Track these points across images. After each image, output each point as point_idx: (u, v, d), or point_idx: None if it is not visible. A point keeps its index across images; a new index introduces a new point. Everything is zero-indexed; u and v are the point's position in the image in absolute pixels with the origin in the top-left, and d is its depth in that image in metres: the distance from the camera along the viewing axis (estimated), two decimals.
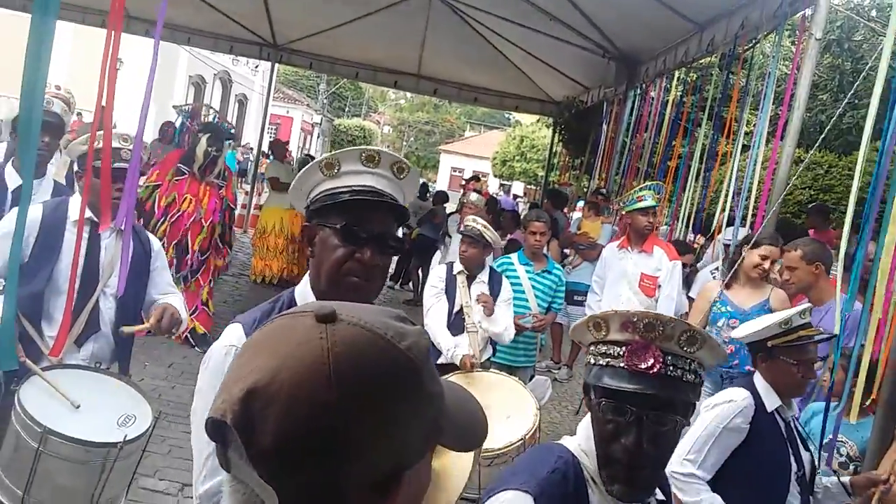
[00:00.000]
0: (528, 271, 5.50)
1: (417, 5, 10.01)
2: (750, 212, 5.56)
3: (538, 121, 28.76)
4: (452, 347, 4.33)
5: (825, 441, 3.62)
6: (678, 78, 9.34)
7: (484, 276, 4.75)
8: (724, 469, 2.84)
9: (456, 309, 4.58)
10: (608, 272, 5.76)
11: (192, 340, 6.50)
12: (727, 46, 6.82)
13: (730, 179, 6.13)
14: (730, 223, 6.05)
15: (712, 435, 2.82)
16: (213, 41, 12.31)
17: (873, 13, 8.97)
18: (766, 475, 2.82)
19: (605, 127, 10.45)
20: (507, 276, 5.09)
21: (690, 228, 9.61)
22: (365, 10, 10.30)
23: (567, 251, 8.50)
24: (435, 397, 0.74)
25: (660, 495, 1.69)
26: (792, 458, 2.84)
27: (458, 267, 4.73)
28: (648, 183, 5.98)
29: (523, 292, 5.35)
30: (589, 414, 1.59)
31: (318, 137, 45.33)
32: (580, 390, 7.22)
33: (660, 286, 5.50)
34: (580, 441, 1.58)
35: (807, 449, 2.97)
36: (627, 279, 5.57)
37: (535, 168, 29.40)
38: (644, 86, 9.36)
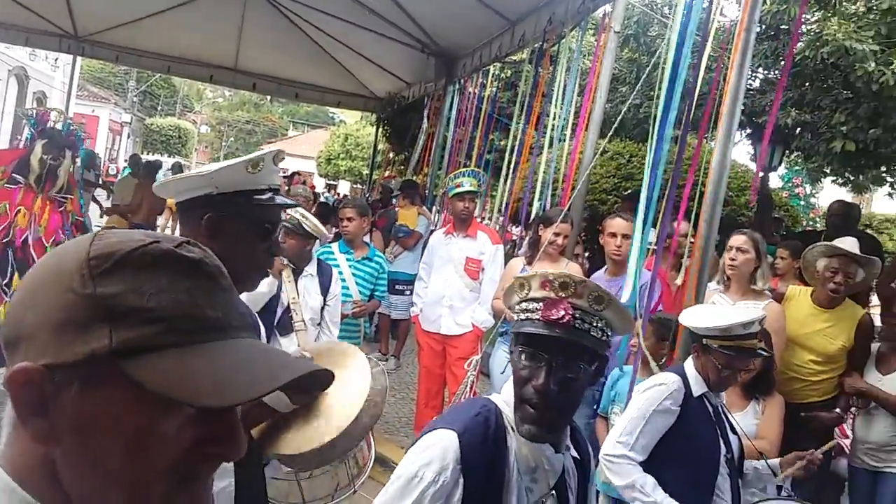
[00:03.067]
0: (348, 259, 5.52)
1: None
2: (555, 200, 5.93)
3: (362, 118, 28.80)
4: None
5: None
6: (493, 74, 9.73)
7: (312, 269, 4.61)
8: (655, 451, 2.93)
9: (283, 308, 4.36)
10: (434, 258, 5.91)
11: None
12: (536, 41, 7.21)
13: (545, 170, 6.49)
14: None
15: (643, 417, 2.91)
16: (4, 32, 11.16)
17: (666, 10, 9.80)
18: (695, 456, 2.92)
19: (425, 122, 10.68)
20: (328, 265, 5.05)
21: (510, 219, 10.07)
22: (176, 0, 9.86)
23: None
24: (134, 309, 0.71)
25: (574, 453, 1.83)
26: (721, 441, 2.96)
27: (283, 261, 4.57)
28: (465, 169, 6.20)
29: (344, 280, 5.35)
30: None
31: (128, 138, 42.74)
32: (408, 380, 7.33)
33: (483, 269, 5.72)
34: (504, 395, 1.75)
35: (734, 432, 3.08)
36: (453, 263, 5.75)
37: (361, 166, 29.41)
38: (462, 81, 9.67)
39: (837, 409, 4.24)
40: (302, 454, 2.05)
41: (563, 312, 1.63)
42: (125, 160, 23.70)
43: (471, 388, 4.41)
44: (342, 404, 2.06)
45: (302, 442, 2.03)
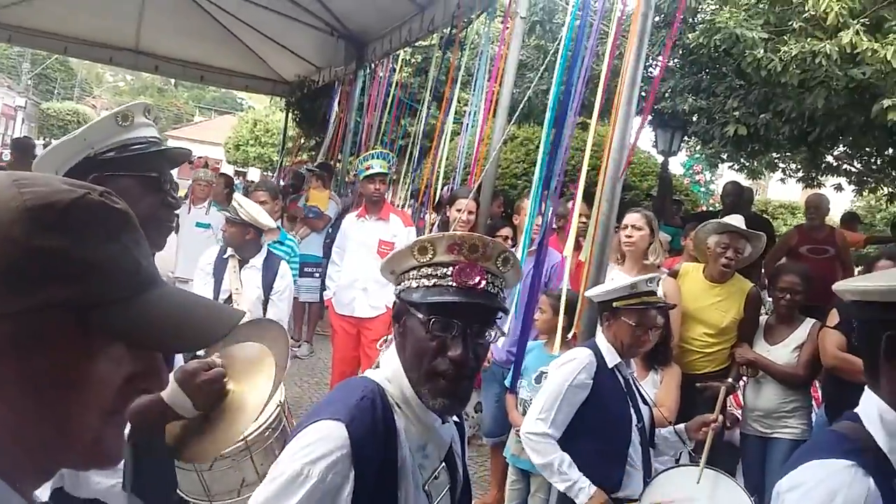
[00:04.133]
0: (270, 246, 5.46)
1: None
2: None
3: (271, 103, 28.24)
4: None
5: (536, 373, 4.08)
6: (403, 59, 9.74)
7: (258, 262, 4.52)
8: (571, 423, 3.07)
9: (224, 296, 4.36)
10: (347, 241, 5.91)
11: None
12: (445, 26, 7.27)
13: (455, 155, 6.57)
14: None
15: (560, 393, 3.03)
16: None
17: None
18: (609, 426, 3.06)
19: (336, 106, 10.59)
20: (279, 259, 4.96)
21: (424, 205, 10.14)
22: None
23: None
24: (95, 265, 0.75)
25: (454, 417, 1.80)
26: (632, 410, 3.09)
27: (229, 250, 4.51)
28: (375, 151, 6.21)
29: None
30: (392, 346, 1.67)
31: (22, 122, 40.61)
32: (322, 365, 7.29)
33: None
34: (384, 373, 1.64)
35: (645, 403, 3.24)
36: (366, 246, 5.77)
37: (271, 153, 28.89)
38: (372, 65, 9.64)
39: (730, 379, 4.49)
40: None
41: (478, 278, 1.55)
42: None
43: None
44: (242, 415, 1.97)
45: (205, 450, 1.98)
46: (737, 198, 7.75)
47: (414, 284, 1.59)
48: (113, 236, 0.78)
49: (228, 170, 34.20)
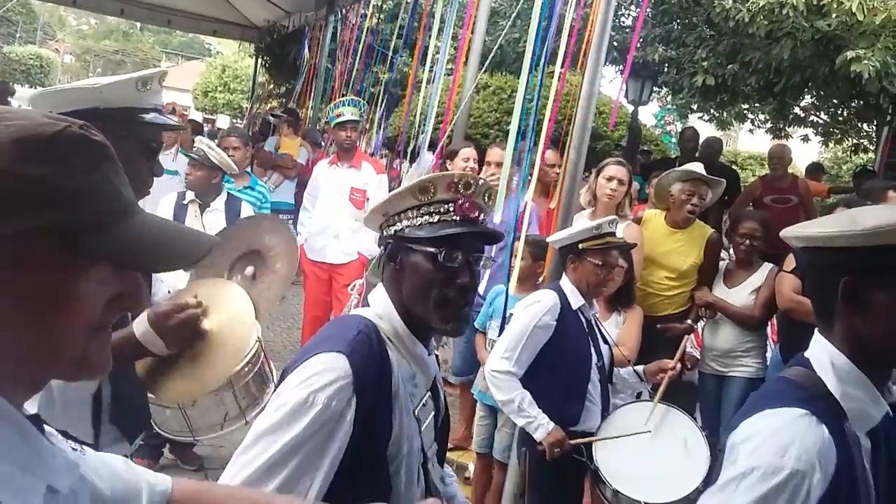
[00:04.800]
0: (229, 188, 5.48)
1: None
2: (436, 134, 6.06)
3: (240, 49, 27.71)
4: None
5: (506, 314, 4.22)
6: (375, 4, 9.63)
7: (219, 205, 4.54)
8: (534, 362, 3.21)
9: None
10: (319, 188, 5.95)
11: None
12: None
13: (428, 104, 6.57)
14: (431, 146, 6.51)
15: (524, 333, 3.18)
16: None
17: None
18: (569, 365, 3.22)
19: (306, 52, 10.47)
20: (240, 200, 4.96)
21: (399, 154, 10.14)
22: None
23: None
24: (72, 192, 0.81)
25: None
26: (592, 350, 3.27)
27: (189, 195, 4.49)
28: (345, 98, 6.21)
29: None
30: (380, 286, 1.79)
31: None
32: (294, 310, 7.36)
33: (368, 199, 5.82)
34: (375, 310, 1.75)
35: (606, 343, 3.40)
36: (338, 193, 5.82)
37: (240, 99, 28.43)
38: (343, 11, 9.52)
39: (689, 321, 4.67)
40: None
41: (478, 211, 1.71)
42: None
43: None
44: (219, 357, 2.04)
45: (180, 391, 2.04)
46: (695, 143, 7.91)
47: (417, 222, 1.70)
48: (94, 166, 0.84)
49: (197, 117, 33.63)
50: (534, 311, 3.23)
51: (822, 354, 1.50)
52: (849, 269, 1.43)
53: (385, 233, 1.76)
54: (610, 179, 4.46)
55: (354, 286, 4.63)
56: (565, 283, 3.33)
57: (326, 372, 1.56)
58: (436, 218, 1.68)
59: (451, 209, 1.68)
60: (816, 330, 1.55)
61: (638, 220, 4.76)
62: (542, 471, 3.21)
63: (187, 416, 2.31)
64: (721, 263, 4.85)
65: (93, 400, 1.94)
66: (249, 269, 2.60)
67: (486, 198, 1.75)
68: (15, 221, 0.77)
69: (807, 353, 1.55)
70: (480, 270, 1.76)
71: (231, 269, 2.64)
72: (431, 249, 1.66)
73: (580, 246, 3.27)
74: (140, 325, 1.83)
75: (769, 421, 1.41)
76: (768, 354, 4.73)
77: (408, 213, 1.71)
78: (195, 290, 2.07)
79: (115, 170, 0.87)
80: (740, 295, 4.55)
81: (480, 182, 1.73)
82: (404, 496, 1.68)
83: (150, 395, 2.09)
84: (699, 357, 4.85)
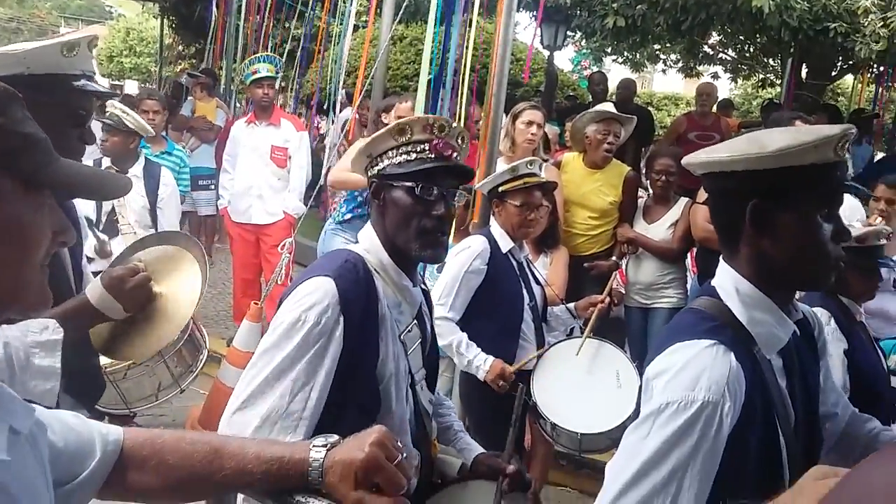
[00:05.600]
0: (147, 154, 5.34)
1: None
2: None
3: (144, 10, 26.53)
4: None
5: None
6: None
7: (137, 170, 4.38)
8: (468, 306, 3.29)
9: (107, 209, 4.22)
10: (239, 148, 5.84)
11: None
12: None
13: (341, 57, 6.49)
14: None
15: (457, 279, 3.25)
16: None
17: None
18: (503, 307, 3.32)
19: (214, 10, 10.14)
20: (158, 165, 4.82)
21: (313, 110, 10.00)
22: None
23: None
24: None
25: (423, 285, 2.11)
26: (524, 291, 3.35)
27: (105, 162, 4.34)
28: (261, 55, 6.08)
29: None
30: (368, 224, 1.96)
31: None
32: (223, 275, 7.24)
33: (290, 157, 5.75)
34: (363, 245, 1.92)
35: (538, 283, 3.49)
36: (259, 152, 5.73)
37: (148, 63, 27.35)
38: None
39: (613, 258, 4.84)
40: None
41: (451, 150, 1.87)
42: None
43: (286, 270, 4.54)
44: (175, 314, 2.08)
45: (143, 348, 2.07)
46: (605, 86, 8.17)
47: (396, 161, 1.87)
48: (26, 115, 0.92)
49: (104, 83, 32.20)
50: (464, 256, 3.30)
51: (728, 282, 1.51)
52: (755, 192, 1.43)
53: (370, 173, 1.93)
54: (529, 124, 4.52)
55: (284, 245, 4.64)
56: (494, 227, 3.42)
57: (315, 293, 1.72)
58: (413, 156, 1.85)
59: (427, 148, 1.85)
60: (721, 258, 1.56)
61: (558, 165, 4.87)
62: (485, 412, 3.34)
63: (120, 390, 2.32)
64: (640, 201, 5.02)
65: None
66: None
67: (459, 140, 1.91)
68: None
69: (713, 282, 1.56)
70: (455, 204, 1.90)
71: None
72: (409, 184, 1.83)
73: (500, 189, 3.37)
74: (95, 291, 1.84)
75: (679, 355, 1.42)
76: (689, 285, 4.95)
77: (388, 153, 1.88)
78: (137, 256, 2.13)
79: (31, 118, 0.94)
80: (659, 230, 4.73)
81: (454, 125, 1.90)
82: (395, 412, 1.85)
83: (107, 358, 2.12)
84: (624, 292, 5.04)
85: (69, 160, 0.97)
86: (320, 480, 1.11)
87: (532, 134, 4.51)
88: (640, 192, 5.15)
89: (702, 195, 4.50)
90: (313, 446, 1.14)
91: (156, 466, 1.15)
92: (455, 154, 1.89)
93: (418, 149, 1.85)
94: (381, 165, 1.89)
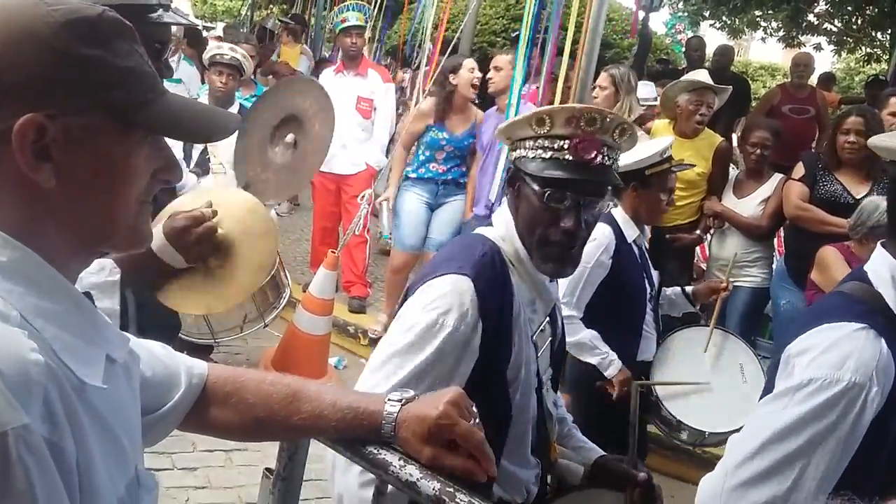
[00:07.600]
0: (237, 98, 5.42)
1: None
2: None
3: None
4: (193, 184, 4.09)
5: None
6: None
7: (233, 111, 4.37)
8: (591, 301, 3.03)
9: (200, 147, 4.33)
10: None
11: None
12: None
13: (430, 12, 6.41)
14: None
15: (582, 275, 2.94)
16: None
17: None
18: (625, 303, 3.07)
19: None
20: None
21: (399, 63, 9.96)
22: None
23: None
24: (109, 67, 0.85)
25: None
26: (646, 282, 3.11)
27: (203, 101, 4.39)
28: (350, 3, 6.05)
29: None
30: (506, 206, 1.76)
31: None
32: (302, 223, 7.40)
33: (375, 108, 5.75)
34: (498, 231, 1.72)
35: (656, 268, 3.25)
36: (344, 102, 5.72)
37: (240, 5, 27.67)
38: None
39: (698, 231, 4.70)
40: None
41: (594, 152, 1.58)
42: None
43: (363, 221, 4.58)
44: (242, 271, 2.01)
45: (201, 303, 2.02)
46: (702, 52, 7.78)
47: (530, 155, 1.64)
48: (132, 48, 0.89)
49: (197, 24, 32.81)
50: (589, 250, 2.88)
51: (883, 268, 1.44)
52: None
53: (511, 155, 1.73)
54: (593, 87, 4.39)
55: (364, 196, 4.67)
56: (618, 214, 3.07)
57: (453, 295, 1.56)
58: (548, 154, 1.61)
59: (566, 146, 1.59)
60: (879, 243, 1.49)
61: (647, 131, 4.73)
62: (598, 407, 3.09)
63: (208, 320, 2.36)
64: (732, 173, 4.84)
65: (120, 314, 1.94)
66: (290, 137, 2.56)
67: (615, 133, 1.62)
68: (79, 101, 0.82)
69: (865, 267, 1.48)
70: (596, 213, 1.67)
71: (272, 139, 2.61)
72: (537, 187, 1.62)
73: (647, 172, 2.98)
74: (157, 239, 1.78)
75: (826, 334, 1.36)
76: (774, 266, 4.78)
77: (525, 142, 1.66)
78: (209, 198, 2.02)
79: (142, 52, 0.92)
80: (749, 205, 4.55)
81: (609, 118, 1.60)
82: (519, 419, 1.69)
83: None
84: (704, 269, 4.90)
85: (179, 96, 0.95)
86: (392, 434, 1.11)
87: (594, 97, 4.36)
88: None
89: (797, 171, 4.30)
90: (388, 399, 1.13)
91: (236, 403, 1.17)
92: (599, 156, 1.59)
93: (556, 145, 1.59)
94: (517, 153, 1.68)
